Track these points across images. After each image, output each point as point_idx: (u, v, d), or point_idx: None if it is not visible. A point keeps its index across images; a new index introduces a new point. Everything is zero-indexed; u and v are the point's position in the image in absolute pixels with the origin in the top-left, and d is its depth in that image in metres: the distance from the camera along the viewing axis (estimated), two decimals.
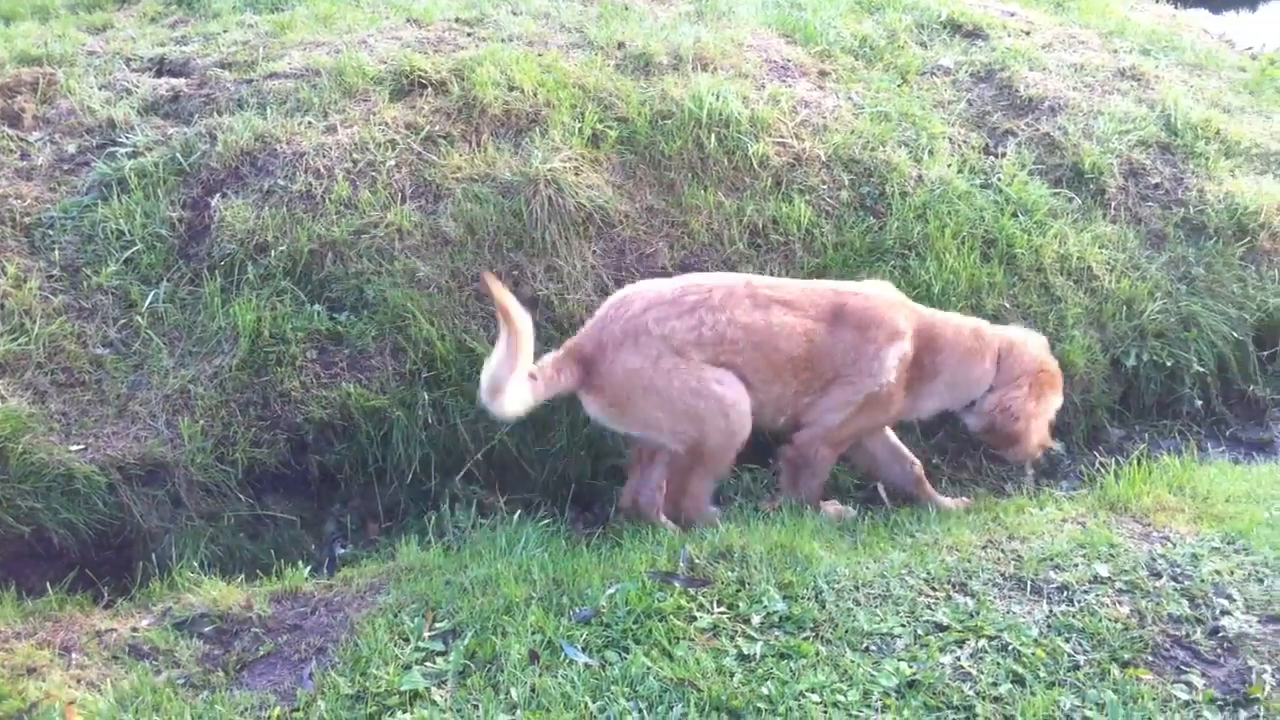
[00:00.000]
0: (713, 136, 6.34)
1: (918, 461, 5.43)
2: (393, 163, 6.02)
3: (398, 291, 5.64)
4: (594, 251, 5.93)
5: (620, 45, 6.94)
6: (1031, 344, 5.32)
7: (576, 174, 6.04)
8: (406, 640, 4.13)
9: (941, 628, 4.03)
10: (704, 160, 6.31)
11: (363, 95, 6.43)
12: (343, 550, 5.38)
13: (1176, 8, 9.99)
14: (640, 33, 7.09)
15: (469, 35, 7.07)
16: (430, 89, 6.41)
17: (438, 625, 4.21)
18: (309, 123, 6.25)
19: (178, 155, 6.17)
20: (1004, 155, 6.80)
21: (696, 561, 4.43)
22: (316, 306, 5.64)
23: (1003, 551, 4.52)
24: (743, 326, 4.85)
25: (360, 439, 5.44)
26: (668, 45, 6.96)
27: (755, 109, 6.55)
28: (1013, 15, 8.35)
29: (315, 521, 5.48)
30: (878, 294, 5.15)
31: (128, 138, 6.36)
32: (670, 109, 6.44)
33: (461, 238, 5.82)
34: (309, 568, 4.95)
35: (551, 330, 5.69)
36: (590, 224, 5.97)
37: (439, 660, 4.02)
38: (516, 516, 5.22)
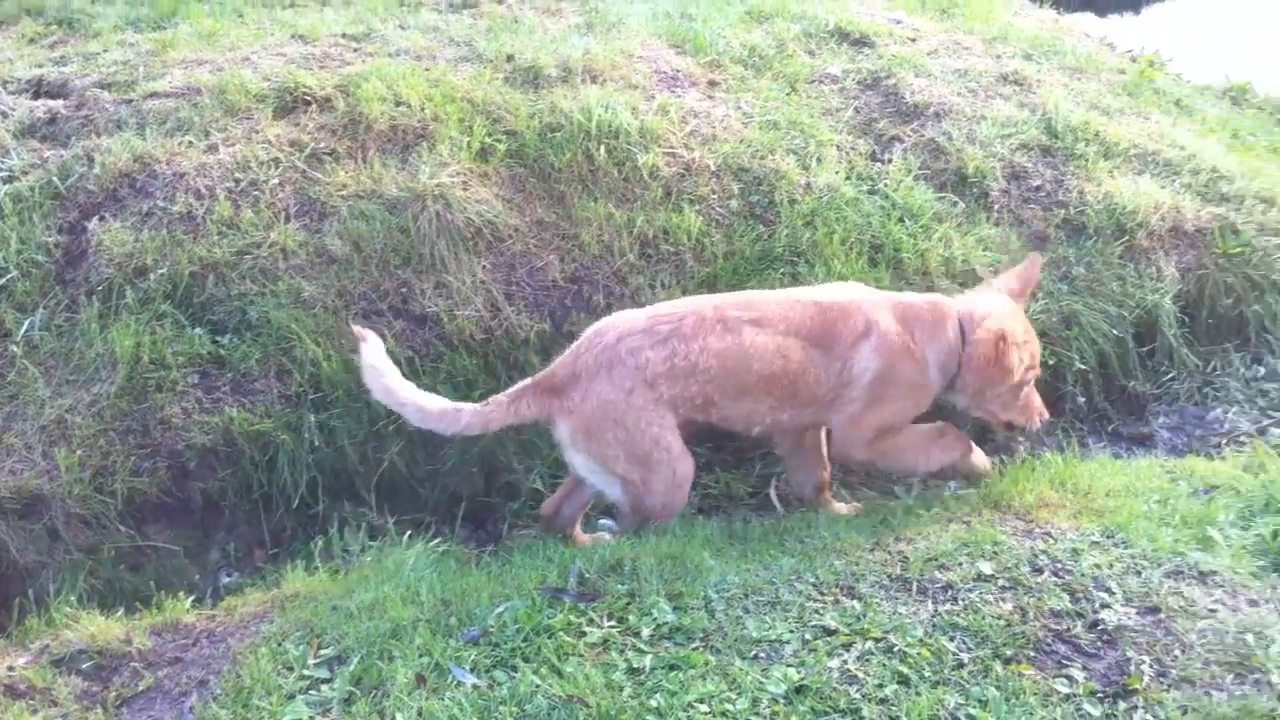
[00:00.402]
0: (602, 148, 6.33)
1: (829, 467, 5.45)
2: (276, 181, 5.94)
3: (282, 312, 5.56)
4: (484, 266, 5.89)
5: (509, 58, 6.91)
6: (995, 309, 5.17)
7: (465, 188, 6.00)
8: (291, 669, 4.08)
9: (829, 632, 4.05)
10: (594, 172, 6.30)
11: (245, 113, 6.34)
12: (228, 579, 5.28)
13: (1060, 12, 10.15)
14: (530, 45, 7.07)
15: (356, 50, 7.00)
16: (315, 105, 6.34)
17: (323, 652, 4.16)
18: (190, 142, 6.15)
19: (54, 178, 6.04)
20: (890, 161, 6.86)
21: (587, 576, 4.41)
22: (198, 330, 5.54)
23: (890, 553, 4.54)
24: (715, 353, 4.82)
25: (244, 464, 5.34)
26: (557, 58, 6.95)
27: (645, 120, 6.55)
28: (899, 23, 8.43)
29: (199, 550, 5.36)
30: (849, 302, 5.07)
31: (3, 162, 6.21)
32: (560, 121, 6.42)
33: (348, 256, 5.75)
34: (192, 598, 4.86)
35: (441, 347, 5.65)
36: (479, 239, 5.93)
37: (324, 688, 3.97)
38: (406, 538, 5.17)
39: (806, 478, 5.45)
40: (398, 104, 6.30)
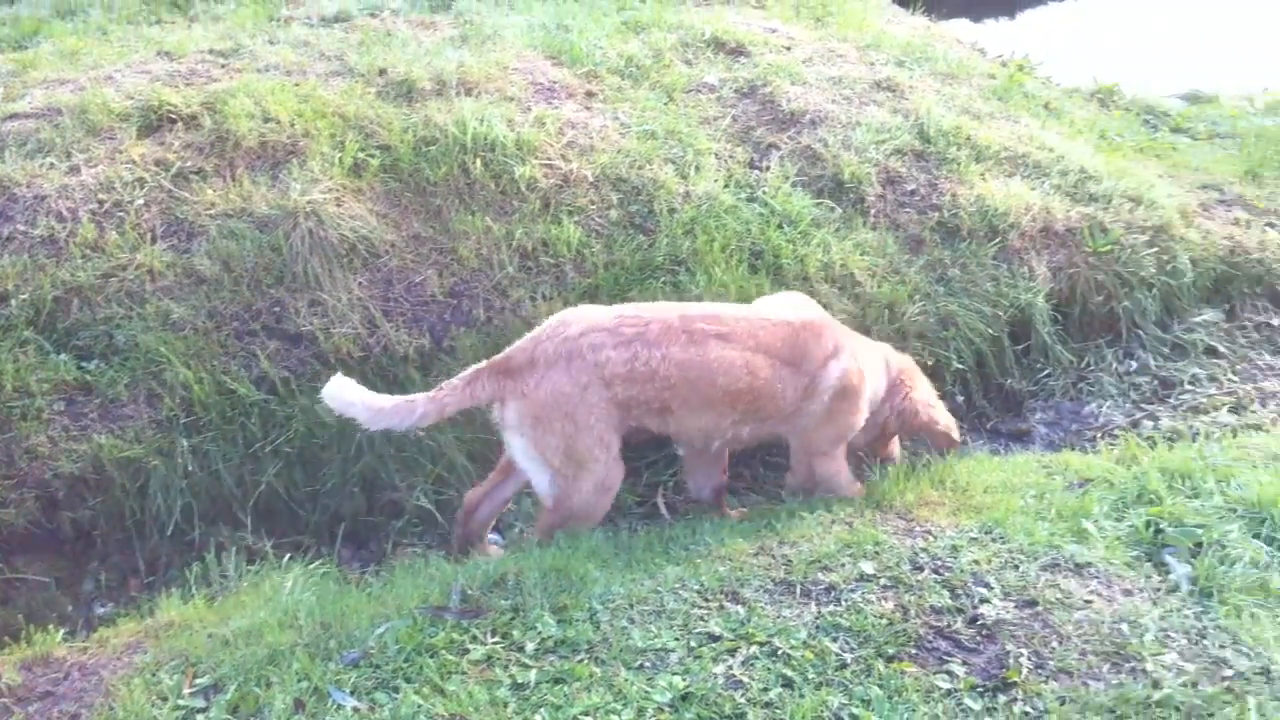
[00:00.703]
0: (478, 161, 6.28)
1: (726, 474, 5.47)
2: (141, 201, 5.79)
3: (151, 335, 5.41)
4: (360, 283, 5.80)
5: (382, 72, 6.83)
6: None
7: (338, 204, 5.90)
8: (165, 699, 3.95)
9: (714, 638, 4.03)
10: (470, 185, 6.24)
11: (108, 133, 6.17)
12: (102, 610, 5.12)
13: (931, 18, 10.32)
14: (403, 59, 6.99)
15: (224, 67, 6.86)
16: (181, 123, 6.19)
17: (198, 681, 4.03)
18: (51, 164, 5.97)
19: None
20: (768, 169, 6.90)
21: (469, 593, 4.34)
22: (63, 356, 5.36)
23: (773, 557, 4.54)
24: (677, 363, 4.79)
25: (115, 492, 5.18)
26: (431, 70, 6.88)
27: (521, 132, 6.51)
28: (774, 31, 8.51)
29: (71, 581, 5.19)
30: (810, 321, 5.15)
31: None
32: (434, 135, 6.36)
33: (218, 276, 5.63)
34: (64, 631, 4.69)
35: (317, 366, 5.54)
36: (354, 255, 5.84)
37: (199, 718, 3.85)
38: (285, 561, 5.06)
39: (705, 481, 5.48)
40: (266, 120, 6.18)
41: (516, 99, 6.84)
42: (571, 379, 4.72)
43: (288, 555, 5.16)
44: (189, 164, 5.96)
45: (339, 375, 4.83)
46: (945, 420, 5.61)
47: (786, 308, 5.24)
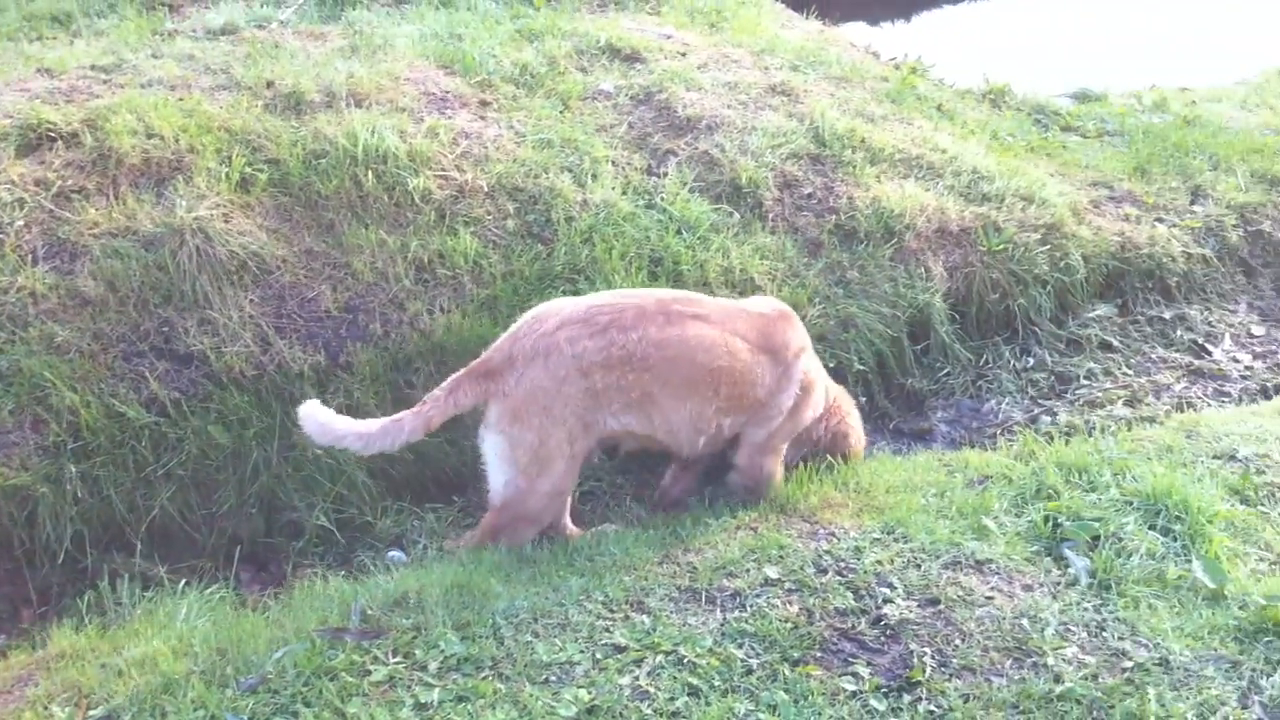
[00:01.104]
0: (370, 173, 6.19)
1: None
2: (21, 223, 5.60)
3: (34, 360, 5.23)
4: (251, 300, 5.68)
5: (269, 85, 6.69)
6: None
7: (226, 221, 5.78)
8: None
9: (620, 649, 4.01)
10: (363, 198, 6.15)
11: None
12: None
13: (825, 23, 10.38)
14: (291, 71, 6.86)
15: (106, 83, 6.67)
16: (61, 142, 6.00)
17: (91, 713, 3.92)
18: None
19: None
20: (666, 175, 6.89)
21: (370, 613, 4.27)
22: None
23: (678, 565, 4.53)
24: (654, 343, 4.81)
25: (2, 521, 5.01)
26: (320, 82, 6.76)
27: (414, 143, 6.43)
28: (669, 38, 8.50)
29: None
30: (784, 312, 5.34)
31: None
32: (324, 148, 6.25)
33: (103, 297, 5.47)
34: None
35: (210, 386, 5.42)
36: (245, 272, 5.72)
37: None
38: (181, 586, 4.94)
39: (680, 483, 5.61)
40: (150, 136, 6.02)
41: (409, 109, 6.75)
42: (549, 373, 4.73)
43: (184, 580, 5.03)
44: (70, 183, 5.79)
45: (313, 404, 4.75)
46: (859, 446, 5.77)
47: (760, 303, 5.40)
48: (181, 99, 6.39)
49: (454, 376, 4.85)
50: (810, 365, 5.33)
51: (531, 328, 4.83)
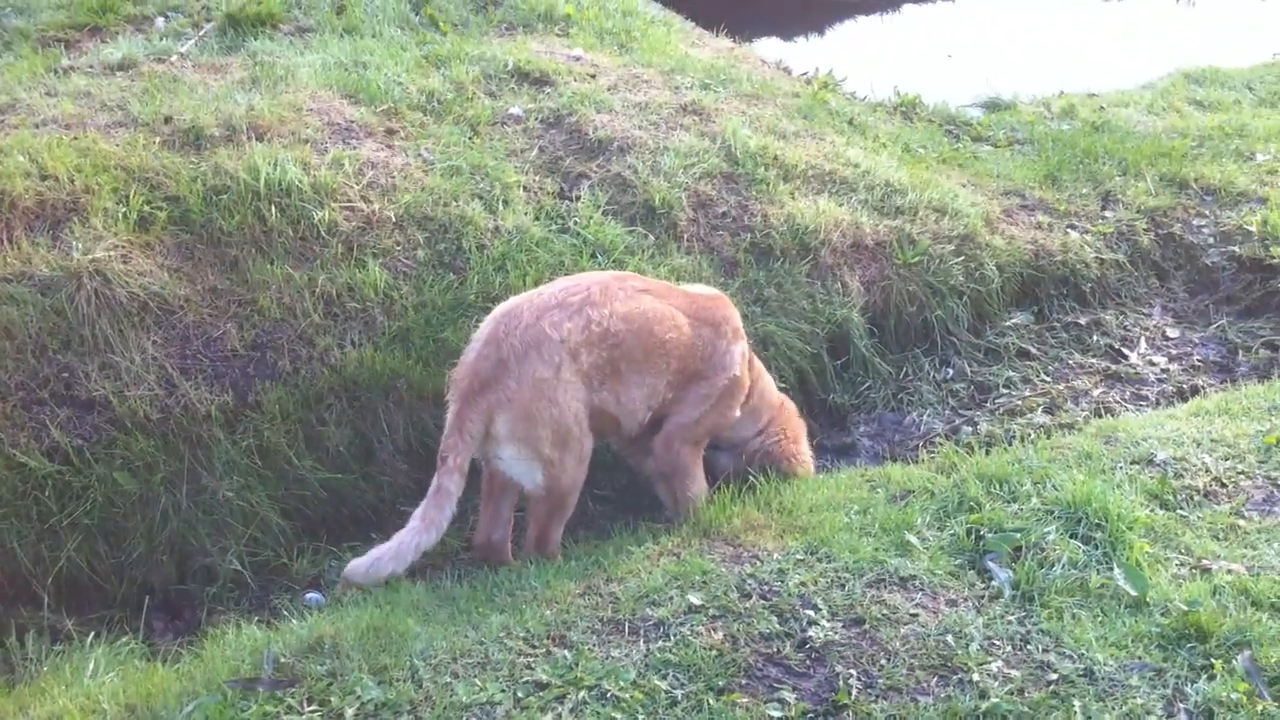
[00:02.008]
0: (274, 208, 6.06)
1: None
2: None
3: None
4: (154, 342, 5.53)
5: (168, 120, 6.54)
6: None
7: (125, 261, 5.62)
8: None
9: (542, 686, 3.93)
10: (267, 233, 6.02)
11: None
12: None
13: (736, 40, 10.40)
14: (189, 105, 6.71)
15: None
16: None
17: None
18: None
19: None
20: (579, 198, 6.83)
21: (283, 660, 4.14)
22: None
23: (601, 596, 4.45)
24: (621, 317, 4.98)
25: None
26: (219, 116, 6.61)
27: (317, 175, 6.30)
28: (578, 60, 8.44)
29: None
30: (721, 295, 5.61)
31: None
32: (225, 183, 6.11)
33: None
34: None
35: (114, 432, 5.26)
36: (146, 313, 5.57)
37: None
38: (90, 639, 4.78)
39: (644, 458, 5.60)
40: (44, 178, 5.83)
41: (312, 141, 6.63)
42: (546, 363, 4.79)
43: (93, 633, 4.88)
44: None
45: (351, 564, 4.80)
46: (808, 465, 5.80)
47: (699, 287, 5.74)
48: (76, 138, 6.22)
49: (452, 411, 4.85)
50: (745, 353, 5.48)
51: (509, 327, 4.86)
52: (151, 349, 5.51)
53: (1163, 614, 4.23)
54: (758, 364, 5.71)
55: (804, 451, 5.81)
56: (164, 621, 5.31)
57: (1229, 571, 4.47)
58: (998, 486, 5.06)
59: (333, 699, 3.90)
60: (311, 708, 3.88)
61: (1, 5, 9.14)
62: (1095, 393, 6.77)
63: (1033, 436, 6.01)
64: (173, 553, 5.35)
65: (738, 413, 5.51)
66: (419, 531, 4.68)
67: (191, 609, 5.35)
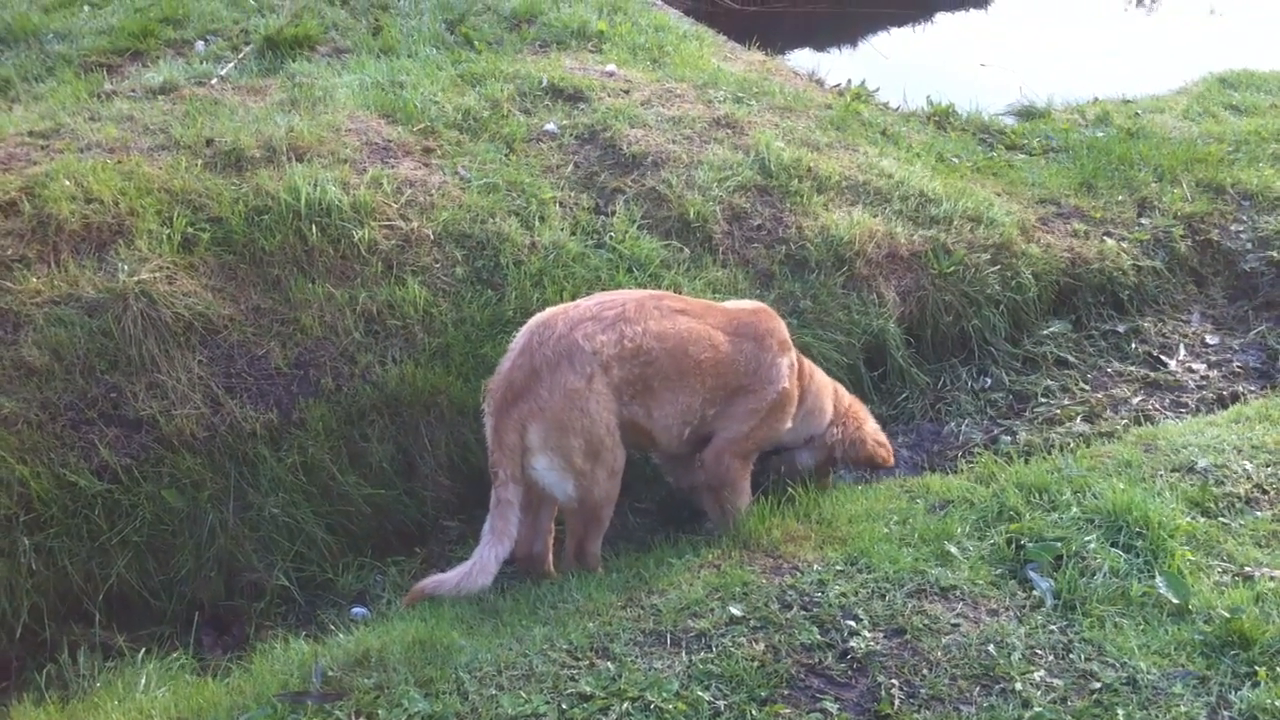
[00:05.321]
0: (314, 227, 6.14)
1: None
2: None
3: None
4: (199, 361, 5.61)
5: (209, 142, 6.64)
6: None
7: (170, 282, 5.71)
8: None
9: (585, 698, 3.96)
10: (308, 252, 6.10)
11: None
12: None
13: (768, 53, 10.42)
14: (230, 127, 6.81)
15: (44, 149, 6.59)
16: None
17: None
18: None
19: None
20: (614, 213, 6.88)
21: (331, 674, 4.19)
22: None
23: (642, 608, 4.48)
24: (655, 335, 5.02)
25: None
26: (260, 138, 6.71)
27: (357, 194, 6.38)
28: (612, 75, 8.50)
29: None
30: (765, 308, 5.59)
31: None
32: (266, 203, 6.20)
33: (48, 366, 5.38)
34: None
35: (161, 451, 5.35)
36: (191, 333, 5.65)
37: None
38: (141, 655, 4.85)
39: (685, 474, 5.69)
40: (89, 201, 5.94)
41: (350, 160, 6.71)
42: (577, 373, 4.85)
43: (144, 649, 4.95)
44: (10, 252, 5.70)
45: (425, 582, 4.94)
46: (887, 453, 5.86)
47: (740, 303, 5.74)
48: (120, 161, 6.33)
49: (489, 425, 4.95)
50: (795, 364, 5.47)
51: (544, 337, 4.93)
52: (197, 368, 5.59)
53: (1205, 622, 4.23)
54: (807, 363, 5.71)
55: (880, 435, 5.90)
56: (213, 636, 5.37)
57: (1271, 578, 4.47)
58: (1037, 496, 5.06)
59: (380, 711, 3.95)
60: None
61: (44, 31, 9.30)
62: (1134, 400, 6.75)
63: (1072, 445, 6.02)
64: (220, 569, 5.42)
65: (789, 424, 5.52)
66: (492, 544, 4.81)
67: (240, 624, 5.41)
